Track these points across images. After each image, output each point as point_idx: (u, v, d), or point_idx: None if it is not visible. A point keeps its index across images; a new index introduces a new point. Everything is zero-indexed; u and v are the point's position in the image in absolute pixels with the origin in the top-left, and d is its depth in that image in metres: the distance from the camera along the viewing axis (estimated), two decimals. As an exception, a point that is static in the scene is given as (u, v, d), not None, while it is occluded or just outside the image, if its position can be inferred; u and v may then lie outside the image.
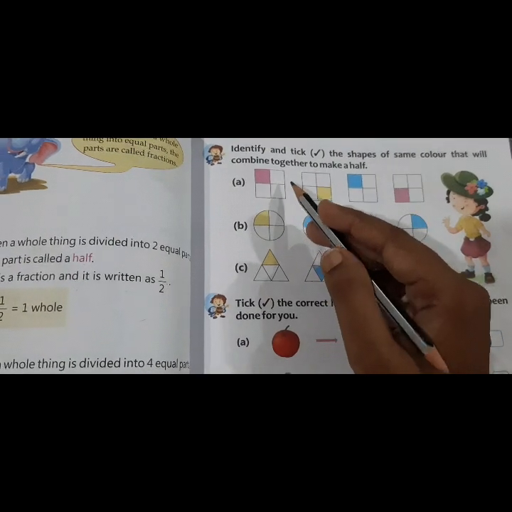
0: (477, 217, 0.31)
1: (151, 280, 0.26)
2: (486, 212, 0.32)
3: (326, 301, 0.29)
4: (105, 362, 0.24)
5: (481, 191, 0.32)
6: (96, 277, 0.25)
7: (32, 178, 0.27)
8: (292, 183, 0.28)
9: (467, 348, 0.20)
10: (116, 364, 0.24)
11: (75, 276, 0.25)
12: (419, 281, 0.21)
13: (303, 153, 0.31)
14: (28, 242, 0.25)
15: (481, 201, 0.32)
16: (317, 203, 0.26)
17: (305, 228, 0.29)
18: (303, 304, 0.29)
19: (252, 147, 0.31)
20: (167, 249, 0.27)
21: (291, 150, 0.31)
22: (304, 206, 0.26)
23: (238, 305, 0.28)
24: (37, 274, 0.25)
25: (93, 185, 0.27)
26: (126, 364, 0.24)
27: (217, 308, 0.28)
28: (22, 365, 0.23)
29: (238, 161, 0.30)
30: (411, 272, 0.21)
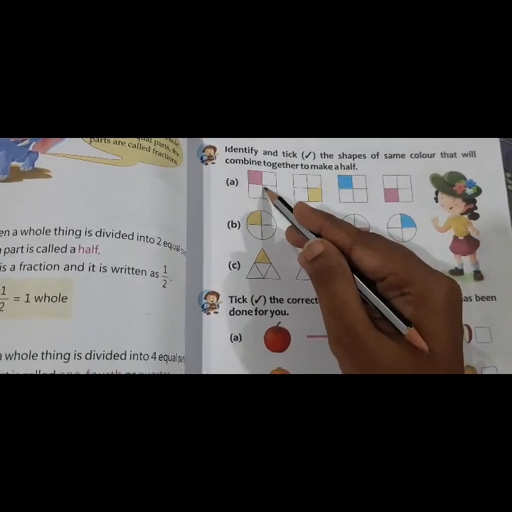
0: (466, 216, 0.34)
1: (155, 275, 0.27)
2: (475, 211, 0.34)
3: (316, 299, 0.31)
4: (111, 355, 0.25)
5: (469, 191, 0.34)
6: (102, 269, 0.26)
7: (36, 166, 0.27)
8: (266, 189, 0.31)
9: (439, 334, 0.23)
10: (123, 357, 0.25)
11: (80, 268, 0.26)
12: (389, 276, 0.24)
13: (294, 155, 0.34)
14: (31, 231, 0.26)
15: (470, 200, 0.34)
16: (291, 205, 0.29)
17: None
18: (294, 301, 0.31)
19: (245, 148, 0.33)
20: (169, 246, 0.29)
21: (283, 152, 0.34)
22: (279, 209, 0.30)
23: (231, 301, 0.30)
24: (40, 265, 0.26)
25: (100, 177, 0.28)
26: (132, 357, 0.26)
27: (211, 304, 0.30)
28: (24, 356, 0.24)
29: (232, 161, 0.33)
30: (380, 268, 0.24)
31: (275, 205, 0.30)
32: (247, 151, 0.33)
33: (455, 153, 0.35)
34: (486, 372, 0.31)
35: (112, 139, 0.29)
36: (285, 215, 0.29)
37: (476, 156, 0.35)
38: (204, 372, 0.29)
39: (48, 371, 0.25)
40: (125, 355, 0.26)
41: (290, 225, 0.29)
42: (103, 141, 0.29)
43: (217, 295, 0.30)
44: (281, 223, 0.32)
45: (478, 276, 0.33)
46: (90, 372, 0.25)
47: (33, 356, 0.25)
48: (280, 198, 0.30)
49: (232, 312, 0.30)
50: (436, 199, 0.34)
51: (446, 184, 0.34)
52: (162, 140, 0.30)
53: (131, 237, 0.27)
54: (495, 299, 0.32)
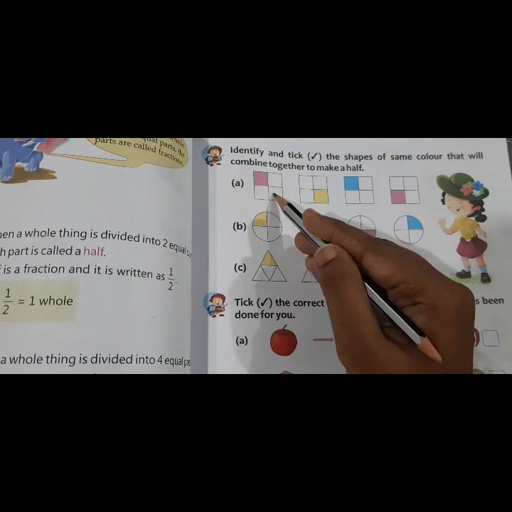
0: (473, 218, 0.34)
1: (161, 277, 0.27)
2: (482, 213, 0.34)
3: (322, 302, 0.31)
4: (117, 358, 0.25)
5: (476, 193, 0.34)
6: (108, 272, 0.26)
7: (40, 167, 0.27)
8: (275, 195, 0.31)
9: (451, 345, 0.22)
10: (128, 360, 0.25)
11: (85, 270, 0.26)
12: (400, 284, 0.23)
13: (300, 156, 0.34)
14: (36, 233, 0.26)
15: (477, 202, 0.34)
16: (299, 208, 0.29)
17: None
18: (300, 303, 0.31)
19: (251, 149, 0.33)
20: (175, 248, 0.29)
21: (289, 153, 0.34)
22: (288, 216, 0.29)
23: (237, 304, 0.30)
24: (45, 267, 0.26)
25: (105, 178, 0.28)
26: (138, 361, 0.26)
27: (217, 307, 0.30)
28: (29, 360, 0.24)
29: (237, 162, 0.33)
30: (391, 277, 0.23)
31: (285, 212, 0.30)
32: (252, 151, 0.33)
33: (462, 155, 0.35)
34: (493, 375, 0.31)
35: (117, 140, 0.29)
36: (295, 222, 0.29)
37: (483, 157, 0.35)
38: (210, 375, 0.29)
39: (53, 375, 0.25)
40: (131, 358, 0.26)
41: (299, 231, 0.29)
42: (108, 141, 0.28)
43: (223, 298, 0.30)
44: (287, 225, 0.32)
45: (485, 278, 0.33)
46: (95, 376, 0.25)
47: (37, 360, 0.25)
48: (290, 205, 0.30)
49: (238, 315, 0.30)
50: (443, 201, 0.34)
51: (453, 186, 0.34)
52: (168, 141, 0.30)
53: (137, 238, 0.27)
54: (502, 302, 0.32)
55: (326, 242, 0.26)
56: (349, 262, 0.25)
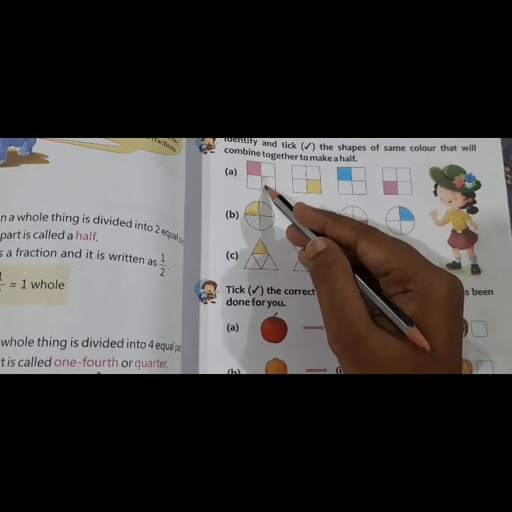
0: (464, 210, 0.34)
1: (153, 263, 0.28)
2: (474, 205, 0.34)
3: (313, 290, 0.31)
4: (108, 342, 0.26)
5: (468, 185, 0.34)
6: (100, 256, 0.26)
7: (33, 151, 0.28)
8: (266, 187, 0.31)
9: (441, 331, 0.23)
10: (120, 344, 0.26)
11: (77, 255, 0.26)
12: (393, 271, 0.24)
13: (293, 146, 0.34)
14: (29, 217, 0.26)
15: (469, 194, 0.34)
16: (290, 199, 0.29)
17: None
18: (291, 292, 0.31)
19: (245, 139, 0.33)
20: (167, 234, 0.29)
21: (282, 144, 0.34)
22: (279, 208, 0.30)
23: (229, 291, 0.31)
24: (37, 251, 0.26)
25: (98, 163, 0.28)
26: (129, 345, 0.26)
27: (208, 294, 0.30)
28: (20, 343, 0.25)
29: (231, 151, 0.33)
30: (385, 262, 0.24)
31: (275, 204, 0.30)
32: (246, 141, 0.33)
33: (455, 147, 0.35)
34: (481, 366, 0.31)
35: (110, 126, 0.29)
36: (286, 214, 0.29)
37: (476, 150, 0.35)
38: (200, 361, 0.29)
39: (45, 358, 0.25)
40: (122, 342, 0.26)
41: (291, 223, 0.29)
42: (102, 127, 0.28)
43: (215, 285, 0.31)
44: (279, 215, 0.32)
45: (475, 270, 0.33)
46: (87, 360, 0.25)
47: (29, 343, 0.25)
48: (280, 197, 0.30)
49: (229, 302, 0.30)
50: (435, 192, 0.34)
51: (446, 178, 0.34)
52: (161, 128, 0.30)
53: (129, 224, 0.28)
54: (492, 293, 0.33)
55: (317, 234, 0.27)
56: (338, 252, 0.25)
